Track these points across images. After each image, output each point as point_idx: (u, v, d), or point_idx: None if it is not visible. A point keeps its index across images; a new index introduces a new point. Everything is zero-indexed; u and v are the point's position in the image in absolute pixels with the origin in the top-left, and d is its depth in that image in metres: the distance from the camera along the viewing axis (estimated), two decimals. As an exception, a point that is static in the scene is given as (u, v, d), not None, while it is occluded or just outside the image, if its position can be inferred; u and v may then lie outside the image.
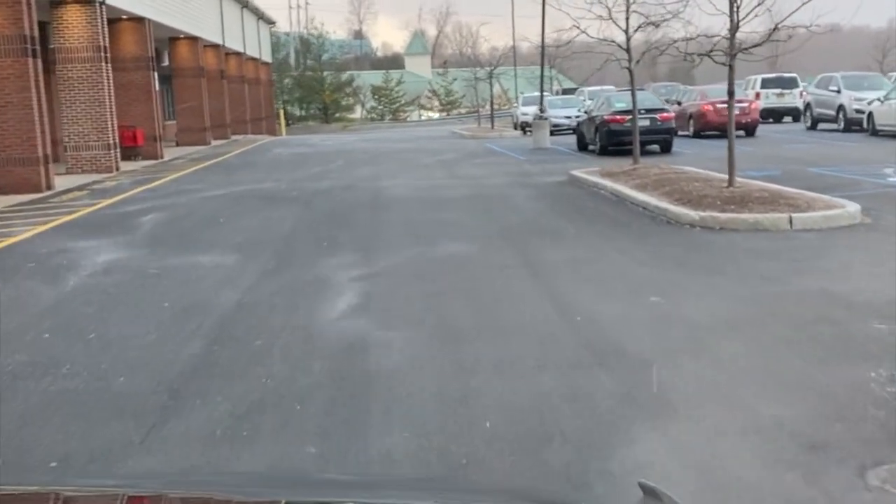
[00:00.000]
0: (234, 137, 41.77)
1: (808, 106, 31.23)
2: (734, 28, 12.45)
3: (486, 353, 6.27)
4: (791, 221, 11.12)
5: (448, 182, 18.31)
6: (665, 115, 23.91)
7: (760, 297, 7.67)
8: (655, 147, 23.54)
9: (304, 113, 71.71)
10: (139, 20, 26.71)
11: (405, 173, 20.74)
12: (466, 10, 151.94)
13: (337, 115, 71.80)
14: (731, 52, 12.47)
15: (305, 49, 72.36)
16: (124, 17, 26.25)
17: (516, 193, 15.85)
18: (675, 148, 24.00)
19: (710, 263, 9.26)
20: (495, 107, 46.97)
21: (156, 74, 27.53)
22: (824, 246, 9.98)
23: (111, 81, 23.27)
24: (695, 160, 20.67)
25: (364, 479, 3.15)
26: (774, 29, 12.23)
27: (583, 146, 26.19)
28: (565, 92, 47.75)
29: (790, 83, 36.95)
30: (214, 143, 37.03)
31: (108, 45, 22.91)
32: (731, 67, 12.53)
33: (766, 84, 36.73)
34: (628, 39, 17.06)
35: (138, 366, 6.29)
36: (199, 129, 35.59)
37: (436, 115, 76.20)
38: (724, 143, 27.24)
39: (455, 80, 72.80)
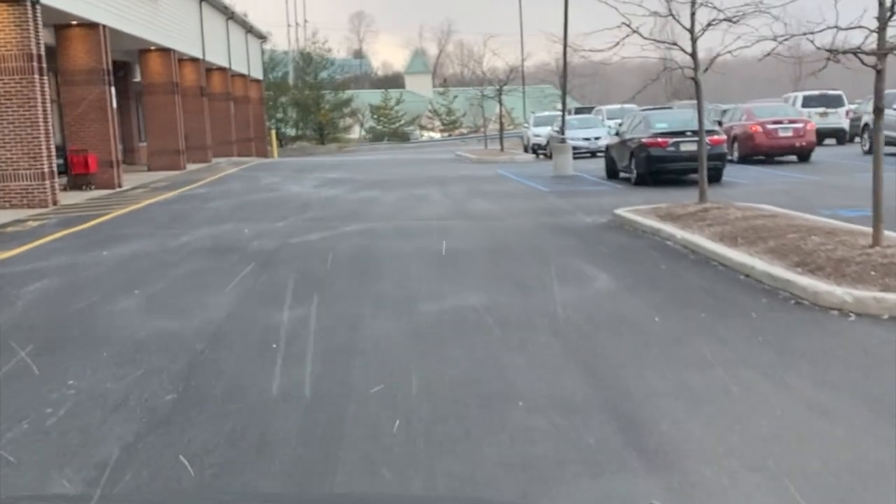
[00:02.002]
0: (216, 160, 37.74)
1: (864, 127, 27.22)
2: (885, 16, 8.46)
3: None
4: None
5: (459, 226, 14.26)
6: (716, 138, 19.89)
7: None
8: (702, 175, 19.49)
9: (298, 133, 67.53)
10: (92, 26, 22.66)
11: (404, 213, 16.65)
12: (468, 29, 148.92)
13: (333, 135, 67.62)
14: (882, 52, 8.46)
15: (306, 64, 68.14)
16: (74, 22, 22.28)
17: (552, 246, 11.77)
18: (723, 177, 20.04)
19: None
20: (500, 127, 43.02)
21: (113, 90, 23.51)
22: None
23: (47, 97, 19.23)
24: (757, 193, 16.77)
25: (362, 496, 3.16)
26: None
27: (613, 174, 22.29)
28: (578, 111, 43.68)
29: (835, 101, 32.99)
30: (191, 167, 33.00)
31: (43, 53, 18.83)
32: (879, 72, 8.53)
33: (807, 102, 32.85)
34: (694, 41, 13.12)
35: None
36: (172, 152, 31.48)
37: (437, 136, 72.18)
38: (778, 170, 23.74)
39: (456, 97, 69.03)
